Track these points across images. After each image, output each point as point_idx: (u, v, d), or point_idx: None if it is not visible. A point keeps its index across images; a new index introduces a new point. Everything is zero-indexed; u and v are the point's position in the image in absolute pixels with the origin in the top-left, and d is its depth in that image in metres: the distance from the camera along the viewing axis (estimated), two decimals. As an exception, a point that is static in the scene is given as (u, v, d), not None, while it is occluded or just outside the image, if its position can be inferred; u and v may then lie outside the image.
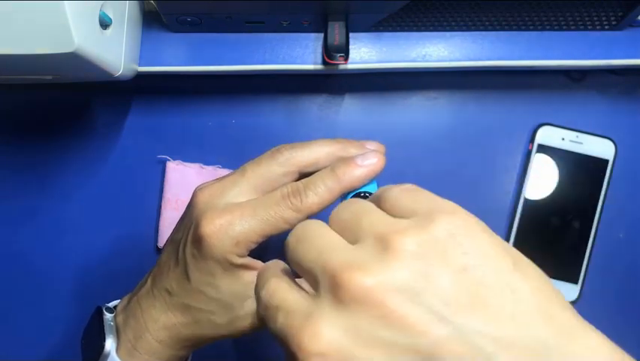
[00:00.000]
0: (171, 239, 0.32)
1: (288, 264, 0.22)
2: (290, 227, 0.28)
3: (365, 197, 0.29)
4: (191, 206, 0.30)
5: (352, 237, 0.20)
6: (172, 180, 0.44)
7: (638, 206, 0.45)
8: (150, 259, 0.45)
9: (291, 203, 0.28)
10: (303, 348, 0.18)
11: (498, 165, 0.45)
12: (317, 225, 0.22)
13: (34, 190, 0.45)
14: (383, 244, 0.18)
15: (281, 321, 0.19)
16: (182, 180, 0.44)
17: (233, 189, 0.29)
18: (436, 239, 0.18)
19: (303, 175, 0.30)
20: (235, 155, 0.45)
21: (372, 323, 0.17)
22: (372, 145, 0.31)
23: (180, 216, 0.32)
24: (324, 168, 0.29)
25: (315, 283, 0.19)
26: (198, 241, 0.28)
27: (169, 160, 0.44)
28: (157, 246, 0.44)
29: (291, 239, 0.22)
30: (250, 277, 0.29)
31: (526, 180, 0.44)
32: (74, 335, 0.45)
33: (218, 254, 0.28)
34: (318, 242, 0.20)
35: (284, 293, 0.21)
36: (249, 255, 0.29)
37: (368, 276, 0.17)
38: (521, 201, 0.44)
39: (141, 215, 0.45)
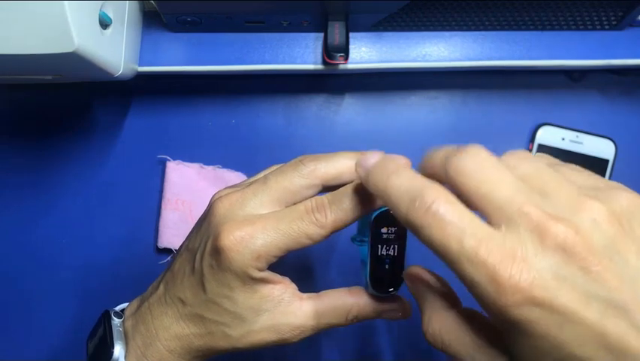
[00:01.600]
0: (186, 246, 0.31)
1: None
2: (312, 243, 0.27)
3: (391, 215, 0.27)
4: (209, 214, 0.29)
5: (536, 189, 0.22)
6: (172, 180, 0.44)
7: (638, 206, 0.45)
8: (150, 259, 0.45)
9: (316, 219, 0.27)
10: (511, 283, 0.19)
11: (498, 165, 0.45)
12: (495, 160, 0.23)
13: (34, 190, 0.45)
14: (578, 206, 0.21)
15: (471, 245, 0.20)
16: (182, 180, 0.44)
17: (254, 199, 0.28)
18: (623, 211, 0.21)
19: (326, 188, 0.29)
20: (235, 155, 0.45)
21: (573, 272, 0.19)
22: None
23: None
24: (349, 181, 0.28)
25: (503, 218, 0.21)
26: (217, 253, 0.27)
27: (169, 160, 0.44)
28: (157, 246, 0.44)
29: (471, 164, 0.22)
30: (268, 290, 0.28)
31: (526, 180, 0.44)
32: (74, 335, 0.45)
33: (238, 267, 0.27)
34: (510, 181, 0.22)
35: (467, 215, 0.21)
36: (268, 268, 0.28)
37: (576, 230, 0.20)
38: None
39: (141, 215, 0.45)
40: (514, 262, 0.19)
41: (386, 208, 0.28)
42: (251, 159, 0.45)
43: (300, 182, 0.28)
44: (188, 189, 0.44)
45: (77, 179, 0.45)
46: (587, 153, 0.44)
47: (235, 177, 0.44)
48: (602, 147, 0.44)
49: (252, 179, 0.31)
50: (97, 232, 0.45)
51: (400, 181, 0.23)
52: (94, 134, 0.45)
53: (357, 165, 0.26)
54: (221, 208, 0.28)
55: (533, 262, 0.19)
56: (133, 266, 0.45)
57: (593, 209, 0.21)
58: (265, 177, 0.29)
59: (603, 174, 0.44)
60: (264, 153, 0.45)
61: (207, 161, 0.44)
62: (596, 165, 0.44)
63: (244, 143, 0.45)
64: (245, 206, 0.28)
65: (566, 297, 0.19)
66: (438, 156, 0.24)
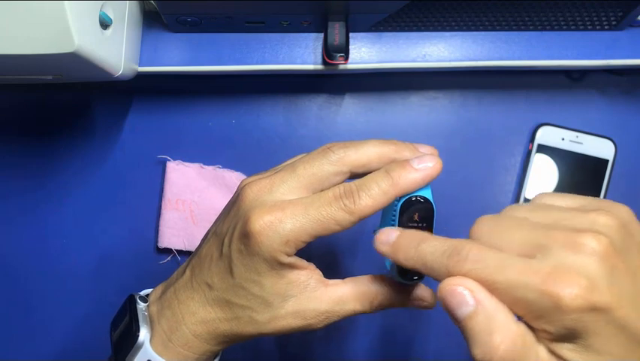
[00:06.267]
0: (214, 232, 0.31)
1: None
2: (341, 229, 0.28)
3: (418, 202, 0.28)
4: (238, 200, 0.29)
5: (545, 219, 0.24)
6: (172, 180, 0.44)
7: (638, 206, 0.45)
8: (150, 259, 0.45)
9: (344, 204, 0.27)
10: (567, 294, 0.20)
11: (498, 165, 0.45)
12: (494, 224, 0.25)
13: (34, 190, 0.45)
14: (590, 220, 0.23)
15: (515, 271, 0.21)
16: (182, 180, 0.44)
17: (283, 185, 0.28)
18: (624, 219, 0.23)
19: (354, 175, 0.29)
20: (235, 155, 0.45)
21: (607, 272, 0.21)
22: (425, 148, 0.30)
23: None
24: (377, 169, 0.29)
25: (533, 249, 0.22)
26: (246, 237, 0.27)
27: (169, 160, 0.44)
28: (157, 246, 0.44)
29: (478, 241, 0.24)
30: (295, 276, 0.28)
31: (526, 180, 0.44)
32: (74, 335, 0.45)
33: (266, 252, 0.27)
34: (516, 224, 0.24)
35: (501, 253, 0.23)
36: (295, 255, 0.28)
37: (599, 237, 0.22)
38: (521, 201, 0.44)
39: (141, 215, 0.45)
40: (563, 274, 0.20)
41: (413, 195, 0.28)
42: (251, 159, 0.45)
43: (329, 169, 0.29)
44: (188, 189, 0.44)
45: (77, 179, 0.45)
46: (587, 153, 0.44)
47: (235, 177, 0.44)
48: (601, 147, 0.44)
49: (280, 166, 0.31)
50: (97, 232, 0.45)
51: (430, 245, 0.24)
52: (94, 134, 0.45)
53: (378, 243, 0.27)
54: (251, 194, 0.29)
55: (579, 271, 0.21)
56: (133, 266, 0.45)
57: (601, 219, 0.23)
58: (293, 163, 0.29)
59: (603, 174, 0.44)
60: (264, 153, 0.45)
61: (207, 161, 0.44)
62: (595, 165, 0.44)
63: (244, 143, 0.45)
64: (274, 192, 0.28)
65: (610, 296, 0.20)
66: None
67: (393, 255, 0.26)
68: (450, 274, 0.23)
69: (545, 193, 0.27)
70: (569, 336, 0.21)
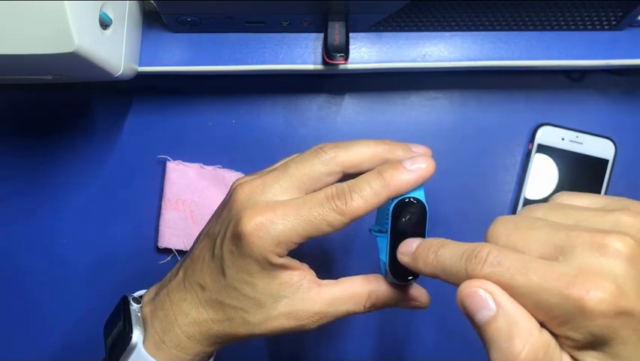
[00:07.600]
0: (206, 233, 0.31)
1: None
2: (333, 230, 0.27)
3: (410, 203, 0.28)
4: (230, 200, 0.29)
5: (569, 220, 0.23)
6: (172, 180, 0.44)
7: (638, 206, 0.45)
8: (151, 259, 0.45)
9: (336, 205, 0.27)
10: (592, 298, 0.19)
11: (498, 165, 0.45)
12: (513, 224, 0.24)
13: (34, 190, 0.45)
14: (613, 220, 0.22)
15: (538, 274, 0.20)
16: (182, 180, 0.44)
17: (275, 185, 0.28)
18: None
19: (346, 176, 0.29)
20: (235, 155, 0.45)
21: (636, 274, 0.20)
22: (418, 148, 0.30)
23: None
24: (370, 170, 0.29)
25: (556, 251, 0.21)
26: (238, 238, 0.27)
27: (169, 160, 0.44)
28: (157, 246, 0.44)
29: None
30: (287, 276, 0.28)
31: (526, 179, 0.44)
32: (74, 335, 0.45)
33: (258, 253, 0.27)
34: (540, 225, 0.23)
35: (523, 255, 0.22)
36: (288, 255, 0.28)
37: (625, 239, 0.21)
38: (521, 201, 0.44)
39: (141, 215, 0.45)
40: (587, 278, 0.20)
41: (406, 196, 0.28)
42: (251, 159, 0.45)
43: (321, 169, 0.28)
44: (188, 189, 0.44)
45: (77, 179, 0.45)
46: (587, 153, 0.44)
47: (235, 177, 0.44)
48: (601, 147, 0.44)
49: (272, 167, 0.31)
50: (97, 232, 0.45)
51: (449, 250, 0.24)
52: (94, 134, 0.45)
53: (399, 254, 0.27)
54: (242, 194, 0.29)
55: (604, 274, 0.20)
56: (133, 266, 0.45)
57: (625, 219, 0.22)
58: (286, 164, 0.29)
59: (603, 175, 0.44)
60: (264, 153, 0.45)
61: (207, 161, 0.44)
62: (595, 165, 0.44)
63: (244, 143, 0.45)
64: (266, 192, 0.28)
65: (638, 300, 0.19)
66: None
67: (413, 263, 0.26)
68: (469, 278, 0.22)
69: (564, 193, 0.26)
70: (595, 343, 0.20)
